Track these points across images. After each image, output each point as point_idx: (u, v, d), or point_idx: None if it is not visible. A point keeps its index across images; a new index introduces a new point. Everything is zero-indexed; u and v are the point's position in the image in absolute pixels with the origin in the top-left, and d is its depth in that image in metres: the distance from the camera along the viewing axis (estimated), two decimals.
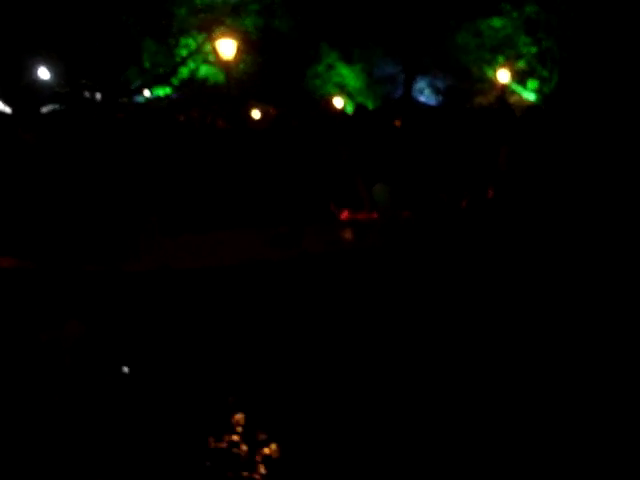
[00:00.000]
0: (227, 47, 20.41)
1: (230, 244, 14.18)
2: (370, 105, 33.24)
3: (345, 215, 17.40)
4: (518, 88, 32.68)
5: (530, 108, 30.97)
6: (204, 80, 30.77)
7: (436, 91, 34.14)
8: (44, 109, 29.47)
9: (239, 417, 8.69)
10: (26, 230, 13.48)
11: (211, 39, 28.30)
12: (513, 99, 32.56)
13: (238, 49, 21.24)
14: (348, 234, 15.94)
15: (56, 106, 29.80)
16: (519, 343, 10.57)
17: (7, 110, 30.32)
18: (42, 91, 30.69)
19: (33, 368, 9.30)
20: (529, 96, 32.55)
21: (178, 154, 17.82)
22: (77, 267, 12.25)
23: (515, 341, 10.67)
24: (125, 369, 9.89)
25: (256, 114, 30.04)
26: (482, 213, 17.56)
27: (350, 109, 32.90)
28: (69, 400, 8.88)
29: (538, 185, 18.15)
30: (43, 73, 31.05)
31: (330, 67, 33.05)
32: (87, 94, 30.47)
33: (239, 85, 28.02)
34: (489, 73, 32.39)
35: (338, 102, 32.08)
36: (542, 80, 32.20)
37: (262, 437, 8.14)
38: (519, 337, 10.85)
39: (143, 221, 14.20)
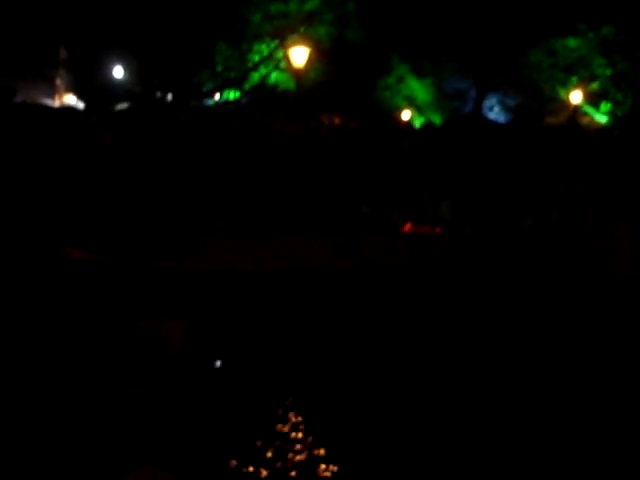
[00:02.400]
0: (299, 55, 20.49)
1: (293, 250, 14.24)
2: (438, 120, 33.04)
3: (408, 227, 17.35)
4: (590, 110, 32.09)
5: (602, 131, 30.45)
6: (274, 86, 30.97)
7: (506, 109, 33.73)
8: (116, 107, 30.06)
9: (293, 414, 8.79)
10: (96, 224, 13.77)
11: (284, 46, 28.53)
12: (584, 121, 32.00)
13: (310, 57, 21.29)
14: (410, 246, 15.88)
15: (128, 104, 30.36)
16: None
17: (80, 105, 31.03)
18: (115, 89, 31.31)
19: (132, 354, 9.52)
20: (601, 119, 31.95)
21: (248, 159, 17.99)
22: (146, 263, 12.46)
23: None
24: (218, 363, 10.08)
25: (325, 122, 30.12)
26: (545, 234, 17.37)
27: (418, 123, 32.77)
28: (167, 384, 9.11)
29: (607, 209, 17.85)
30: (117, 72, 31.68)
31: (400, 79, 32.90)
32: (159, 94, 30.95)
33: (308, 93, 28.12)
34: (561, 93, 31.87)
35: (405, 115, 31.93)
36: (615, 103, 31.56)
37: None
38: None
39: (210, 223, 14.39)
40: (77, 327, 10.13)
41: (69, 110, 28.54)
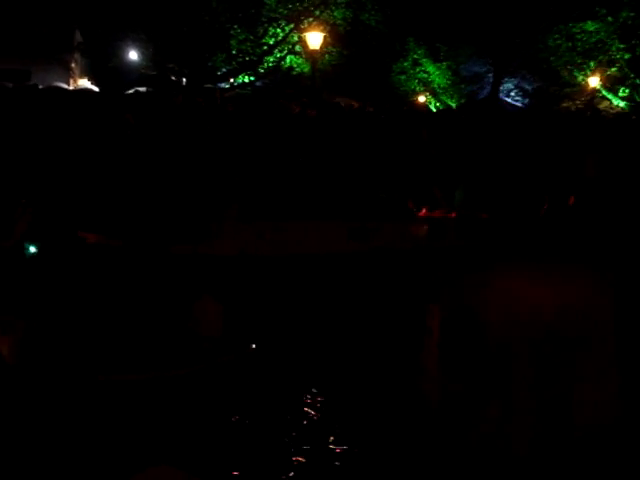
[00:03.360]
0: (314, 38, 20.31)
1: (308, 234, 14.17)
2: (454, 104, 32.82)
3: (423, 213, 17.23)
4: (608, 94, 31.76)
5: (620, 116, 30.13)
6: (289, 70, 30.80)
7: (523, 93, 33.46)
8: (130, 90, 29.98)
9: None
10: (112, 208, 13.73)
11: (299, 29, 28.32)
12: (602, 105, 31.69)
13: (325, 41, 21.13)
14: (425, 231, 15.77)
15: (142, 88, 30.28)
16: None
17: (95, 89, 30.98)
18: (130, 73, 31.22)
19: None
20: (619, 103, 31.62)
21: (262, 143, 17.88)
22: (163, 247, 12.43)
23: None
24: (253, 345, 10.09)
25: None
26: (561, 219, 17.19)
27: (434, 107, 32.56)
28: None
29: (624, 195, 17.65)
30: (132, 55, 31.59)
31: (416, 63, 32.68)
32: (173, 78, 30.85)
33: (324, 76, 27.97)
34: (579, 77, 31.56)
35: (421, 99, 31.74)
36: (634, 88, 31.20)
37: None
38: None
39: (225, 207, 14.32)
40: (102, 311, 10.10)
41: (86, 92, 28.46)
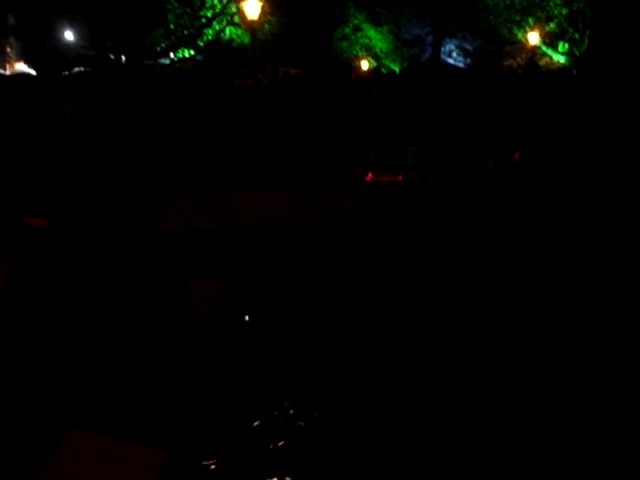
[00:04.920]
0: (252, 8, 20.07)
1: (254, 205, 14.08)
2: (397, 67, 32.82)
3: (370, 177, 17.24)
4: (548, 50, 32.03)
5: (561, 71, 30.46)
6: (229, 42, 30.49)
7: (464, 53, 33.56)
8: (68, 71, 29.44)
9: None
10: (57, 191, 13.52)
11: (236, 0, 27.99)
12: (543, 61, 31.97)
13: (263, 10, 20.90)
14: (372, 196, 15.77)
15: (81, 68, 29.75)
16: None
17: (32, 72, 30.36)
18: (67, 54, 30.63)
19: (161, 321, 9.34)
20: (559, 58, 31.92)
21: (204, 115, 17.71)
22: (107, 227, 12.25)
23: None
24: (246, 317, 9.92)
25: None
26: (507, 176, 17.37)
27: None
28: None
29: (568, 150, 17.90)
30: (68, 36, 30.97)
31: (357, 29, 32.56)
32: (112, 56, 30.34)
33: (265, 47, 27.74)
34: (519, 35, 31.74)
35: (364, 64, 31.66)
36: (573, 42, 31.49)
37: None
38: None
39: (170, 182, 14.17)
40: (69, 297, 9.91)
41: (23, 77, 27.87)
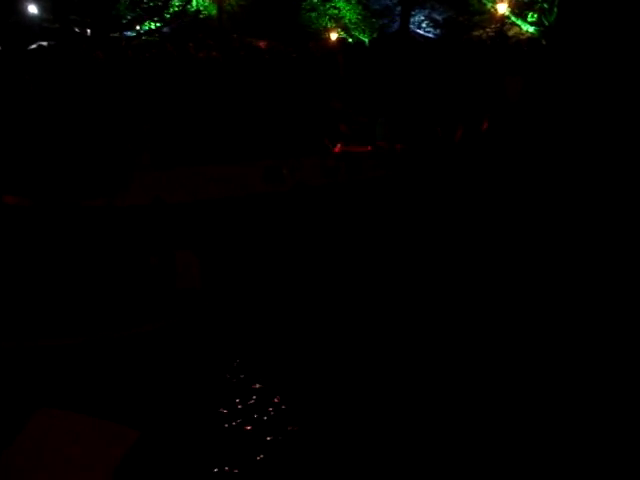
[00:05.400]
0: None
1: (223, 178, 13.99)
2: (366, 39, 32.60)
3: (338, 148, 17.19)
4: (517, 20, 31.95)
5: (530, 40, 30.45)
6: (196, 13, 30.09)
7: (434, 24, 33.36)
8: (33, 46, 28.88)
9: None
10: (24, 168, 13.34)
11: None
12: (512, 32, 31.90)
13: None
14: (341, 167, 15.73)
15: (45, 43, 29.21)
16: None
17: None
18: (31, 28, 30.06)
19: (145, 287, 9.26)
20: (528, 28, 31.88)
21: (171, 88, 17.51)
22: (73, 203, 12.12)
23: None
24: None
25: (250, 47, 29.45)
26: (475, 145, 17.41)
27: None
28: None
29: (539, 119, 17.96)
30: (32, 9, 30.38)
31: None
32: (77, 30, 29.84)
33: (232, 18, 27.42)
34: (488, 5, 31.62)
35: (333, 36, 31.40)
36: (542, 12, 31.43)
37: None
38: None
39: (135, 155, 14.02)
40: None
41: None
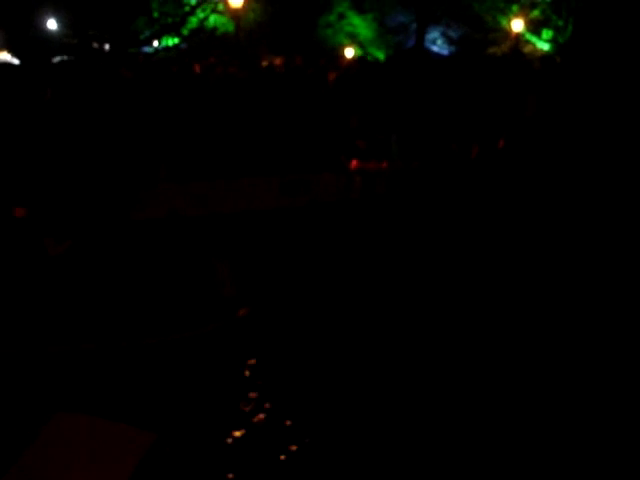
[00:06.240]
0: None
1: (239, 191, 14.10)
2: (381, 55, 32.82)
3: (354, 164, 17.27)
4: (532, 38, 32.11)
5: (545, 58, 30.53)
6: (213, 30, 30.41)
7: (449, 41, 33.57)
8: (55, 59, 29.24)
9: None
10: (39, 179, 13.45)
11: None
12: (527, 49, 32.04)
13: None
14: (357, 183, 15.82)
15: (64, 57, 29.54)
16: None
17: (15, 61, 30.12)
18: (50, 42, 30.43)
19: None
20: (543, 46, 32.01)
21: (187, 102, 17.63)
22: (94, 216, 12.25)
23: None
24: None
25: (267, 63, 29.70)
26: (491, 163, 17.43)
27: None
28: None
29: (552, 137, 17.97)
30: (51, 24, 30.76)
31: (341, 16, 32.54)
32: (95, 45, 30.19)
33: (249, 35, 27.68)
34: (503, 22, 31.80)
35: (349, 52, 31.62)
36: (557, 30, 31.60)
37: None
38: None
39: (153, 170, 14.13)
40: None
41: (4, 66, 27.65)
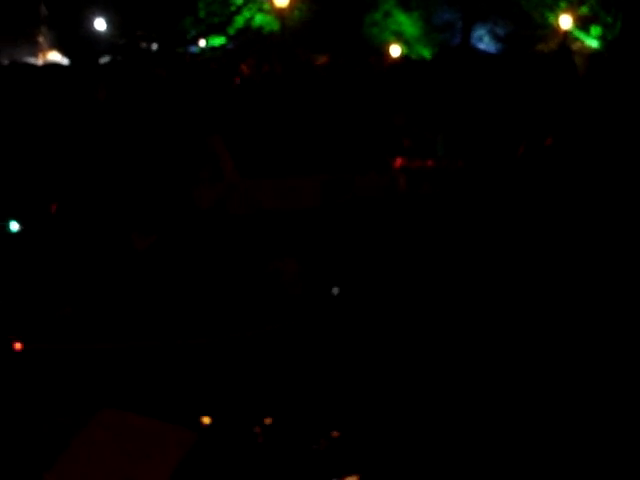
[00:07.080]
0: None
1: (285, 189, 14.16)
2: (427, 53, 32.63)
3: (399, 163, 17.22)
4: (581, 34, 31.61)
5: (593, 55, 30.09)
6: (259, 29, 30.54)
7: (496, 38, 33.18)
8: (101, 60, 29.69)
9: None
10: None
11: None
12: (575, 46, 31.54)
13: None
14: (402, 182, 15.76)
15: (113, 57, 29.98)
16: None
17: (65, 62, 30.64)
18: (99, 43, 30.89)
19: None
20: (592, 43, 31.50)
21: (237, 102, 17.78)
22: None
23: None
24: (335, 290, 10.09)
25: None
26: (538, 161, 17.24)
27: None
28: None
29: (600, 134, 17.72)
30: (100, 24, 31.20)
31: (387, 14, 32.41)
32: (143, 45, 30.57)
33: (294, 33, 27.74)
34: (551, 19, 31.35)
35: (395, 50, 31.48)
36: (605, 26, 31.06)
37: None
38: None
39: (198, 170, 14.28)
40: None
41: (56, 67, 28.15)
